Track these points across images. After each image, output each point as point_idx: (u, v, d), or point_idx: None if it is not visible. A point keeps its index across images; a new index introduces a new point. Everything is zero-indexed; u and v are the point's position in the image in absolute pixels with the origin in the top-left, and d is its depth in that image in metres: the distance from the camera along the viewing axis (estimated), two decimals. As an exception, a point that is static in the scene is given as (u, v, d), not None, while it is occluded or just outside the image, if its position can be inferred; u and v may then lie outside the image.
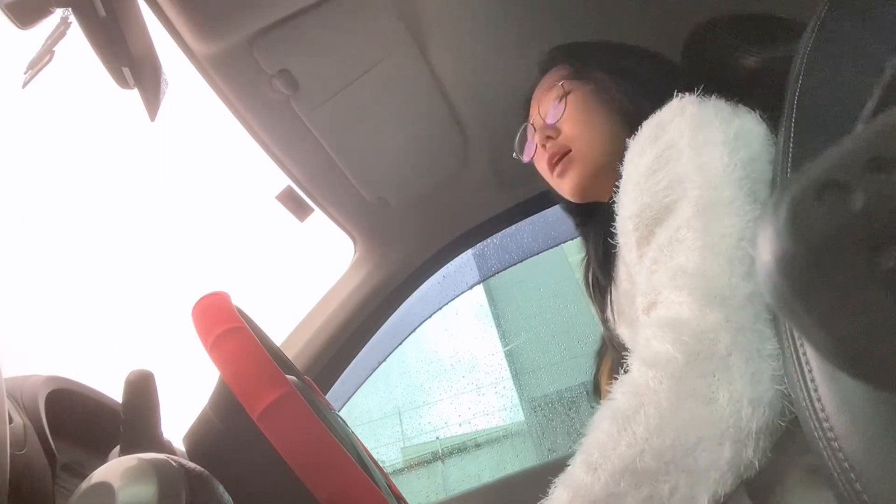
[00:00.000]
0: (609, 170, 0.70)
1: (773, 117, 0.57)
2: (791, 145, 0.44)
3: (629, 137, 0.62)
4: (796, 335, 0.38)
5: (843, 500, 0.32)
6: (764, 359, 0.44)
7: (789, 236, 0.20)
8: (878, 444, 0.31)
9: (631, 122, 0.66)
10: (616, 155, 0.68)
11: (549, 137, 0.75)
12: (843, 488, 0.32)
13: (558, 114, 0.75)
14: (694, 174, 0.52)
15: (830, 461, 0.33)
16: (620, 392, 0.49)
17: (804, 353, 0.37)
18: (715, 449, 0.43)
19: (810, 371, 0.36)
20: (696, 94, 0.59)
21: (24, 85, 0.67)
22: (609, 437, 0.46)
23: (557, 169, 0.74)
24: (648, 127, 0.59)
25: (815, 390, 0.35)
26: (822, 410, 0.34)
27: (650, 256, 0.54)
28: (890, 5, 0.41)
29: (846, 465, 0.32)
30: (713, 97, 0.58)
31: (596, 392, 0.81)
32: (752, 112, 0.57)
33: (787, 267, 0.20)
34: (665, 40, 0.78)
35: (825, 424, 0.34)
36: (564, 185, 0.75)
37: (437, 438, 4.56)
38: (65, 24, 0.65)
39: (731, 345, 0.45)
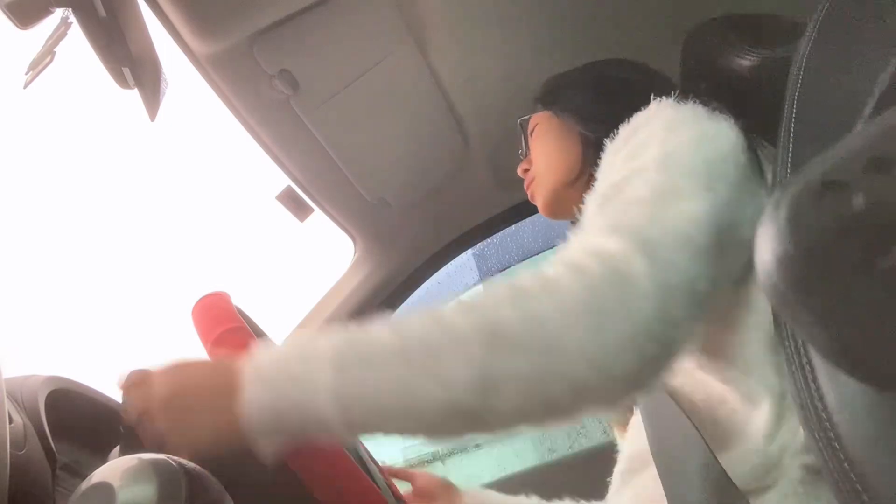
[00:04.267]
0: (572, 191, 0.76)
1: (773, 117, 0.57)
2: (791, 145, 0.44)
3: (587, 161, 0.67)
4: (797, 335, 0.38)
5: (843, 501, 0.32)
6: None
7: (789, 236, 0.20)
8: (878, 444, 0.31)
9: (589, 145, 0.72)
10: (576, 177, 0.75)
11: (526, 170, 0.84)
12: (843, 488, 0.32)
13: (528, 145, 0.84)
14: (657, 162, 0.52)
15: (830, 461, 0.33)
16: (530, 276, 0.46)
17: (805, 353, 0.37)
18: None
19: (811, 371, 0.36)
20: (672, 98, 0.60)
21: (26, 86, 0.67)
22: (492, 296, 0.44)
23: (529, 193, 0.83)
24: (625, 130, 0.60)
25: (816, 390, 0.35)
26: (823, 410, 0.34)
27: (595, 210, 0.53)
28: (890, 6, 0.41)
29: (846, 465, 0.32)
30: (690, 101, 0.59)
31: None
32: (727, 119, 0.57)
33: (788, 266, 0.20)
34: (664, 40, 0.78)
35: (825, 424, 0.33)
36: (538, 206, 0.82)
37: (438, 438, 4.57)
38: (65, 24, 0.65)
39: (651, 290, 0.43)
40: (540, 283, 0.44)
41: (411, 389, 0.42)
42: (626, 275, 0.43)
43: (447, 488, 0.90)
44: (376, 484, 0.59)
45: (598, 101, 0.75)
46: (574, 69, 0.83)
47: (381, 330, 0.45)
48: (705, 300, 0.46)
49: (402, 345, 0.43)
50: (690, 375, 0.60)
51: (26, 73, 0.67)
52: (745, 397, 0.53)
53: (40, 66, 0.66)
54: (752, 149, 0.57)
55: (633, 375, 0.42)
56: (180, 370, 0.48)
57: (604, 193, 0.54)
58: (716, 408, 0.56)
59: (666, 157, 0.52)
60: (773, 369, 0.52)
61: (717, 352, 0.56)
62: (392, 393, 0.42)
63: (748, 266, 0.53)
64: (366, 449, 0.81)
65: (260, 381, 0.45)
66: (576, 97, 0.77)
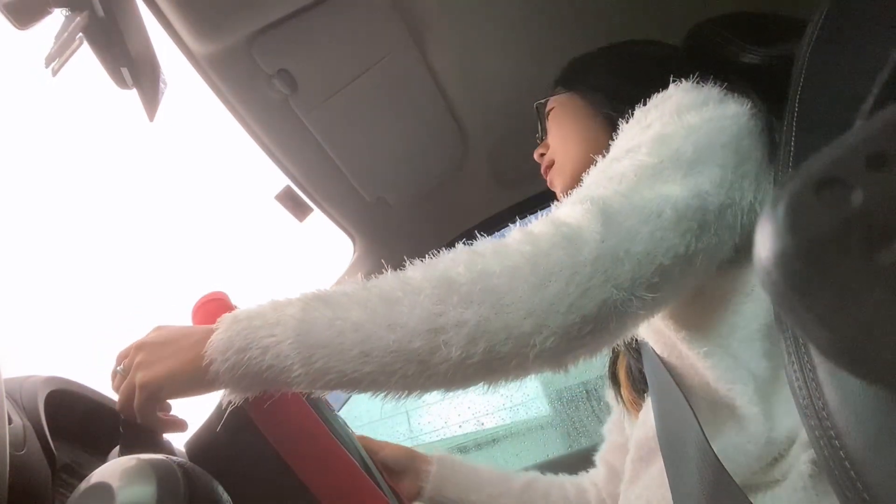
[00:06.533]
0: None
1: (773, 115, 0.57)
2: (792, 143, 0.44)
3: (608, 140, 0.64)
4: (797, 333, 0.38)
5: (844, 500, 0.32)
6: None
7: (788, 233, 0.20)
8: (878, 442, 0.31)
9: (610, 125, 0.69)
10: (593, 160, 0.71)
11: (542, 154, 0.81)
12: (843, 487, 0.32)
13: (545, 129, 0.81)
14: (650, 143, 0.53)
15: (831, 460, 0.33)
16: (488, 242, 0.49)
17: (805, 352, 0.37)
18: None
19: (811, 369, 0.36)
20: (691, 81, 0.59)
21: (55, 73, 0.65)
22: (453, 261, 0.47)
23: (548, 179, 0.80)
24: (639, 111, 0.60)
25: (817, 389, 0.35)
26: (823, 409, 0.34)
27: (585, 181, 0.55)
28: (890, 4, 0.41)
29: (846, 463, 0.32)
30: (708, 84, 0.59)
31: (615, 383, 0.80)
32: (744, 104, 0.56)
33: (786, 264, 0.20)
34: (665, 39, 0.77)
35: (826, 423, 0.33)
36: (556, 192, 0.80)
37: (461, 429, 4.53)
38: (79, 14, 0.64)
39: (599, 253, 0.44)
40: (493, 246, 0.47)
41: (367, 332, 0.44)
42: (576, 239, 0.45)
43: (413, 458, 0.85)
44: (377, 483, 0.59)
45: (628, 81, 0.71)
46: (599, 49, 0.79)
47: (352, 283, 0.48)
48: (670, 274, 0.46)
49: (364, 294, 0.46)
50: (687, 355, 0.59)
51: (47, 66, 0.65)
52: (725, 378, 0.53)
53: (68, 52, 0.64)
54: (770, 132, 0.56)
55: (574, 332, 0.44)
56: (170, 326, 0.52)
57: (597, 167, 0.56)
58: (714, 390, 0.55)
59: (660, 139, 0.53)
60: (762, 354, 0.52)
61: (705, 329, 0.56)
62: (349, 334, 0.44)
63: (746, 252, 0.54)
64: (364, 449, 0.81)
65: (231, 321, 0.48)
66: (604, 77, 0.74)
